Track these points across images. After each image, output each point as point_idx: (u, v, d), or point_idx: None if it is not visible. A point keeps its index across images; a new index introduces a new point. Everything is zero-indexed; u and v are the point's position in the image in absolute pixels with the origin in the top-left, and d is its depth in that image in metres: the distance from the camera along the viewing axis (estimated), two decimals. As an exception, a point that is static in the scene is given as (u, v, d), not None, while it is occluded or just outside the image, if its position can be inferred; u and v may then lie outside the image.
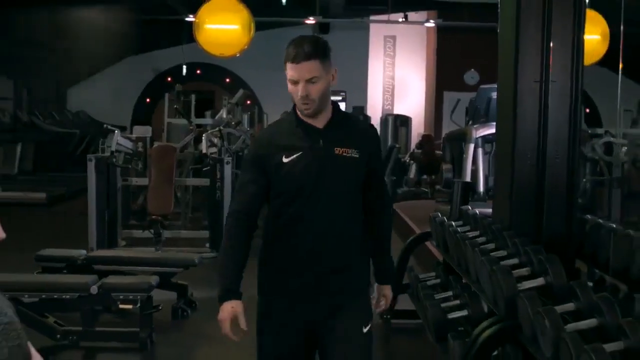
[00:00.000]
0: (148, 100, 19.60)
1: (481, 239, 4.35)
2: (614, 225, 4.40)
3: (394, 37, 19.33)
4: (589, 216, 4.77)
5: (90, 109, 18.83)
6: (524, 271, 3.50)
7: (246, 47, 11.48)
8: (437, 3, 15.07)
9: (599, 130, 10.62)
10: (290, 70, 2.64)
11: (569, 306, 2.95)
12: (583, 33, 4.43)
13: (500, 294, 3.23)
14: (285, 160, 2.66)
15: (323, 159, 2.67)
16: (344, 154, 2.70)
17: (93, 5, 13.52)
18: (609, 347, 2.47)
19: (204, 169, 8.77)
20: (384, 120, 16.58)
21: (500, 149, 4.91)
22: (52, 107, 17.82)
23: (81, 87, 19.54)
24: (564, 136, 4.43)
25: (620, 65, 10.59)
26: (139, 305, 4.84)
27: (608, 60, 17.60)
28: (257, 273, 2.80)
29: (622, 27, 10.38)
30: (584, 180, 10.06)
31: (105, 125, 8.11)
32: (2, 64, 15.96)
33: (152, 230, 7.69)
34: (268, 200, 2.78)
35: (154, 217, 7.68)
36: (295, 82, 2.65)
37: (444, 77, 17.75)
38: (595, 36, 11.65)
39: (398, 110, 18.62)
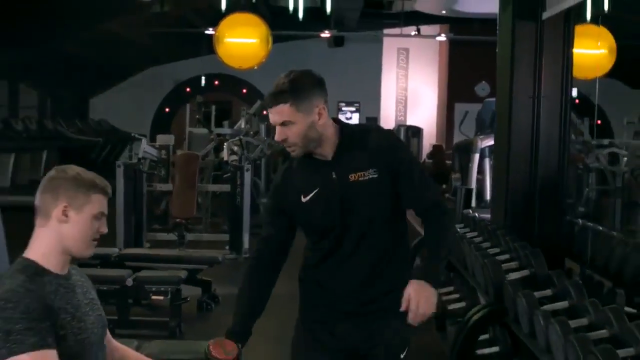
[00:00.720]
0: (167, 109, 20.16)
1: (478, 239, 4.83)
2: (600, 228, 4.90)
3: (407, 50, 19.85)
4: (580, 220, 5.25)
5: (111, 118, 19.43)
6: (512, 264, 3.98)
7: (264, 59, 11.97)
8: (449, 17, 15.54)
9: (604, 142, 11.04)
10: (270, 115, 2.50)
11: (547, 292, 3.43)
12: (572, 55, 4.93)
13: (490, 282, 3.72)
14: (304, 200, 2.50)
15: (339, 192, 2.47)
16: (360, 178, 2.47)
17: (115, 18, 14.09)
18: (574, 322, 2.95)
19: (224, 176, 9.29)
20: (397, 131, 17.07)
21: (497, 158, 5.40)
22: (75, 116, 18.43)
23: (103, 97, 20.15)
24: (555, 147, 4.93)
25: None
26: (169, 296, 5.34)
27: (621, 74, 18.08)
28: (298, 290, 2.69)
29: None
30: (587, 189, 10.50)
31: (132, 134, 8.63)
32: (27, 74, 16.58)
33: (175, 233, 8.20)
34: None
35: (177, 220, 8.20)
36: (274, 126, 2.50)
37: (456, 89, 18.20)
38: (602, 51, 12.06)
39: (411, 121, 19.10)
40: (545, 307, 3.21)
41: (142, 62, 19.54)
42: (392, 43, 19.05)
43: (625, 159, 9.84)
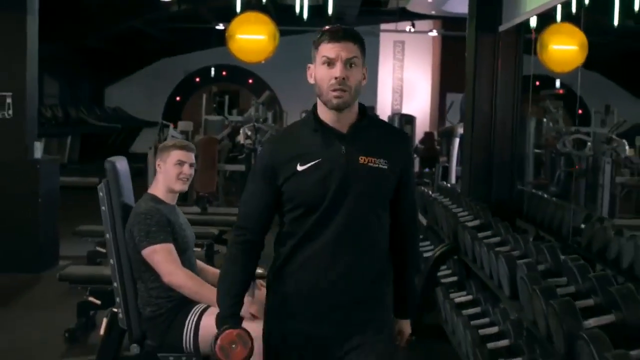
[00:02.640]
0: (178, 98, 21.45)
1: (448, 202, 6.22)
2: (545, 195, 6.31)
3: (402, 42, 21.12)
4: (524, 188, 6.62)
5: (126, 106, 20.78)
6: (468, 217, 5.37)
7: (272, 54, 13.31)
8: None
9: (572, 129, 12.41)
10: (326, 50, 2.30)
11: (487, 233, 4.81)
12: (522, 58, 6.30)
13: (449, 228, 5.11)
14: (300, 168, 2.32)
15: (344, 169, 2.31)
16: (370, 163, 2.33)
17: (139, 17, 15.44)
18: (502, 248, 4.32)
19: (239, 157, 10.67)
20: (391, 119, 18.41)
21: (465, 141, 6.79)
22: (92, 104, 19.79)
23: (118, 86, 21.48)
24: (508, 132, 6.32)
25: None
26: (205, 248, 6.69)
27: (601, 67, 19.46)
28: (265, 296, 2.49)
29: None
30: (559, 171, 11.88)
31: (161, 121, 10.01)
32: (52, 66, 17.91)
33: (199, 205, 9.59)
34: (280, 215, 2.43)
35: (201, 194, 9.58)
36: (330, 63, 2.30)
37: (447, 80, 19.53)
38: (573, 47, 13.38)
39: (406, 109, 20.37)
40: (487, 241, 4.60)
41: (154, 54, 20.84)
42: (388, 36, 20.32)
43: (589, 144, 11.22)
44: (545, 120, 12.96)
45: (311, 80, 2.38)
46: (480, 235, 4.71)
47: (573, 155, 11.26)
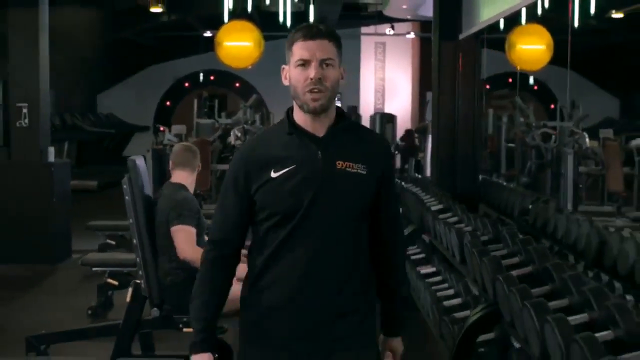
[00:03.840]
0: (168, 103, 22.21)
1: (418, 191, 7.07)
2: (504, 183, 7.16)
3: (384, 44, 21.94)
4: (486, 177, 7.46)
5: (118, 112, 21.53)
6: (433, 202, 6.21)
7: (257, 60, 14.13)
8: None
9: (540, 123, 13.26)
10: (300, 50, 2.20)
11: (448, 215, 5.65)
12: (480, 63, 7.14)
13: (417, 212, 5.95)
14: (274, 175, 2.21)
15: (320, 175, 2.21)
16: (348, 168, 2.23)
17: (131, 28, 16.23)
18: (459, 226, 5.15)
19: (230, 157, 11.47)
20: (373, 118, 19.22)
21: (433, 136, 7.64)
22: (85, 110, 20.52)
23: (109, 93, 22.23)
24: (470, 127, 7.16)
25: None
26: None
27: (574, 63, 20.37)
28: (239, 315, 2.36)
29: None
30: (529, 163, 12.74)
31: (157, 126, 10.80)
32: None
33: (195, 202, 10.37)
34: (253, 224, 2.31)
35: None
36: (304, 64, 2.20)
37: (427, 79, 20.34)
38: (540, 46, 14.23)
39: (388, 108, 21.17)
40: (445, 221, 5.44)
41: (144, 61, 21.59)
42: (369, 38, 21.15)
43: (553, 137, 12.08)
44: (516, 115, 13.81)
45: (286, 82, 2.28)
46: (441, 216, 5.55)
47: (541, 148, 12.11)
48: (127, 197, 4.39)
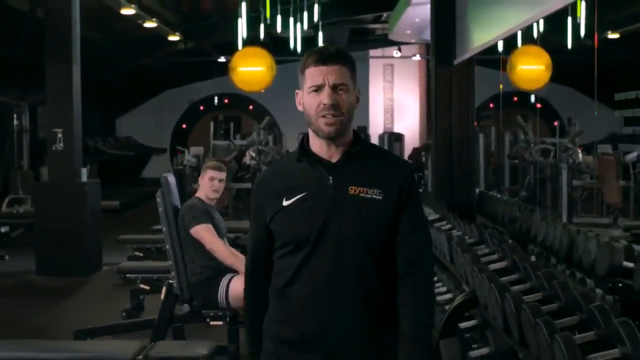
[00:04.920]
0: (184, 125, 23.04)
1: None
2: (498, 195, 7.83)
3: (392, 65, 22.65)
4: (483, 190, 8.13)
5: (135, 135, 22.35)
6: (430, 212, 6.89)
7: (270, 84, 14.86)
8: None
9: (539, 140, 13.91)
10: (313, 75, 2.17)
11: (443, 222, 6.32)
12: (473, 86, 7.82)
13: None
14: (285, 203, 2.20)
15: (332, 201, 2.17)
16: (362, 194, 2.17)
17: (150, 55, 17.03)
18: (454, 232, 5.81)
19: (246, 176, 12.20)
20: (381, 137, 19.89)
21: (432, 153, 8.33)
22: (104, 134, 21.35)
23: (127, 117, 23.06)
24: (466, 144, 7.83)
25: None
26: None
27: (575, 82, 21.03)
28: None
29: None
30: (528, 177, 13.39)
31: (177, 148, 11.54)
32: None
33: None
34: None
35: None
36: (317, 90, 2.17)
37: (434, 99, 21.06)
38: (540, 66, 14.89)
39: (398, 127, 21.82)
40: (439, 227, 6.11)
41: (160, 86, 22.42)
42: (378, 60, 21.89)
43: (552, 153, 12.74)
44: (518, 133, 14.49)
45: (300, 108, 2.26)
46: (436, 224, 6.23)
47: (539, 164, 12.76)
48: (160, 209, 5.09)
